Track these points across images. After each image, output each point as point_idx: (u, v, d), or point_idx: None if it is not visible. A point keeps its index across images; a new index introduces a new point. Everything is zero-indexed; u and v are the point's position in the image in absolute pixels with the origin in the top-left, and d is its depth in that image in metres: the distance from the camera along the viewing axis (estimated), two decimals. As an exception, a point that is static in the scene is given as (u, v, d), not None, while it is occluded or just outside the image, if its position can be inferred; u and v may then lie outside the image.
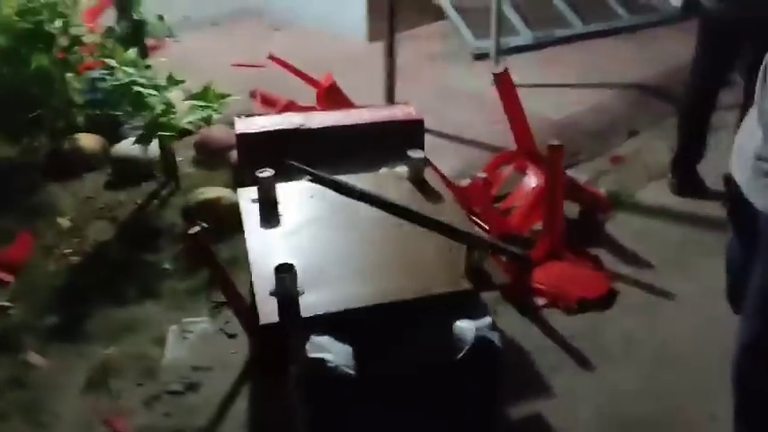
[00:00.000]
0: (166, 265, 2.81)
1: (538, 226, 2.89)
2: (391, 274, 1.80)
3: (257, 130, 2.31)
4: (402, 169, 2.26)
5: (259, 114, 2.51)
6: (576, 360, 2.30)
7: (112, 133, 3.73)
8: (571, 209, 3.03)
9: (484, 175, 2.63)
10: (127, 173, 3.43)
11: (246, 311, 2.24)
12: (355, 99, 3.25)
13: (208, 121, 2.83)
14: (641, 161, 3.65)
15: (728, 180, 3.16)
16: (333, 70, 3.48)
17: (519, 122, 3.02)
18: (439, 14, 5.59)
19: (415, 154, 2.18)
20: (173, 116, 2.85)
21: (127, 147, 3.41)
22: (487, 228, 2.21)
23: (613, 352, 2.34)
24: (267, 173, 2.05)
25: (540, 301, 2.57)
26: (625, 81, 4.46)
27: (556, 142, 2.68)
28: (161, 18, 3.40)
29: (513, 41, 4.93)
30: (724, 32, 2.87)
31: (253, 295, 2.39)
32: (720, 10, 2.81)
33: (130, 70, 2.72)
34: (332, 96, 3.03)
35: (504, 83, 2.93)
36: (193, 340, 2.43)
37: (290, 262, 1.70)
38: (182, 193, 3.30)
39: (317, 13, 5.47)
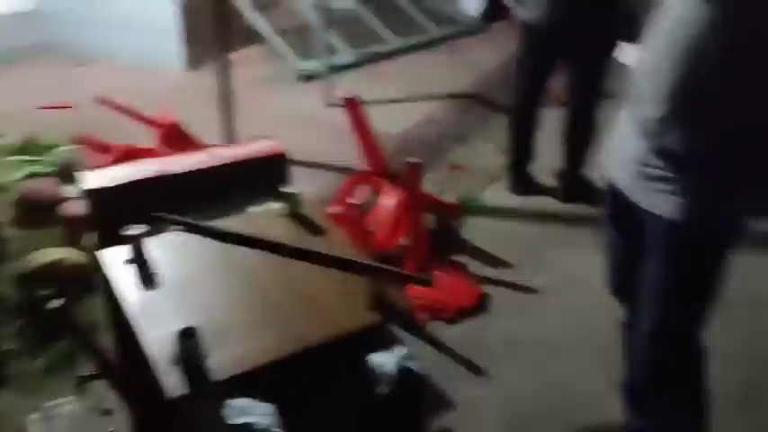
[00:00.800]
0: (9, 346, 2.47)
1: (402, 242, 2.95)
2: (294, 319, 1.73)
3: (112, 184, 2.10)
4: (276, 206, 2.19)
5: (106, 166, 2.29)
6: (469, 369, 2.38)
7: None
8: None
9: (354, 200, 2.63)
10: (-66, 245, 2.96)
11: (125, 383, 2.04)
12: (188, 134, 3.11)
13: (37, 176, 2.53)
14: (476, 166, 3.88)
15: (561, 176, 3.49)
16: (154, 105, 3.28)
17: (369, 144, 3.07)
18: (250, 38, 5.51)
19: (289, 189, 2.12)
20: (-6, 175, 2.52)
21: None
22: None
23: (500, 354, 2.45)
24: (136, 230, 1.87)
25: (421, 317, 2.62)
26: (446, 91, 4.72)
27: (413, 159, 2.75)
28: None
29: (336, 60, 5.00)
30: (544, 39, 3.15)
31: (127, 364, 2.20)
32: (539, 19, 3.07)
33: (-64, 130, 2.35)
34: (175, 136, 2.86)
35: (353, 107, 2.95)
36: (62, 425, 2.15)
37: (187, 325, 1.57)
38: (8, 260, 2.92)
39: (125, 45, 5.13)
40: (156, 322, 1.68)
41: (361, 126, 3.01)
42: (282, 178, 2.35)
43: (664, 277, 1.55)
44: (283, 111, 4.42)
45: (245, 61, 5.27)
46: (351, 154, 3.50)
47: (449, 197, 3.46)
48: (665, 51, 1.41)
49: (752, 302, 2.64)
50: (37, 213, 3.15)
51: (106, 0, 5.09)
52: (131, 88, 4.57)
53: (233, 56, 5.27)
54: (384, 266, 1.88)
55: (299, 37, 5.25)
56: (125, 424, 2.15)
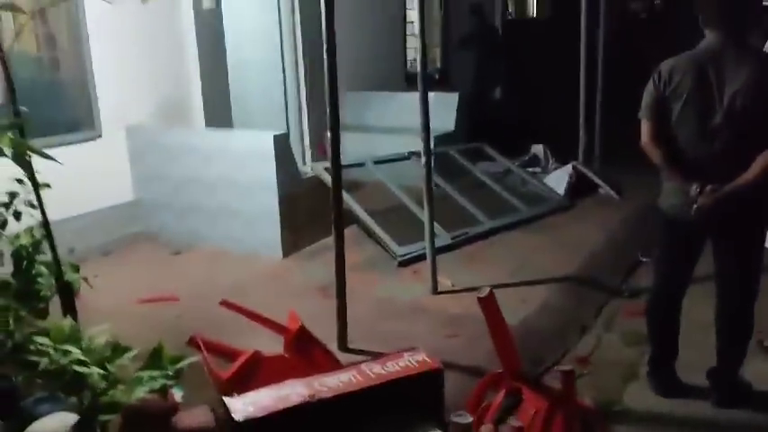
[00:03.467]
0: None
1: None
2: None
3: (265, 413, 1.89)
4: (437, 434, 1.93)
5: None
6: None
7: (9, 409, 3.04)
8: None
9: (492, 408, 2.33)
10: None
11: None
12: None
13: (163, 392, 2.34)
14: (605, 360, 3.55)
15: (714, 376, 3.11)
16: (253, 293, 3.13)
17: (505, 344, 2.82)
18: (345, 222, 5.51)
19: (461, 418, 1.87)
20: (117, 392, 2.33)
21: (42, 428, 2.75)
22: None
23: None
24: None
25: None
26: (554, 274, 4.48)
27: (566, 367, 2.49)
28: (76, 269, 2.90)
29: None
30: (692, 235, 2.93)
31: None
32: (691, 215, 2.78)
33: (70, 348, 2.22)
34: (302, 341, 2.68)
35: (489, 305, 2.75)
36: None
37: None
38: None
39: (221, 233, 5.17)
40: None
41: (495, 324, 2.78)
42: (437, 399, 2.12)
43: None
44: (386, 299, 4.24)
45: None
46: (467, 348, 3.25)
47: (587, 398, 3.11)
48: None
49: None
50: (147, 429, 2.92)
51: (203, 189, 5.21)
52: (230, 276, 4.52)
53: (328, 241, 5.24)
54: None
55: (392, 219, 5.23)
56: None
